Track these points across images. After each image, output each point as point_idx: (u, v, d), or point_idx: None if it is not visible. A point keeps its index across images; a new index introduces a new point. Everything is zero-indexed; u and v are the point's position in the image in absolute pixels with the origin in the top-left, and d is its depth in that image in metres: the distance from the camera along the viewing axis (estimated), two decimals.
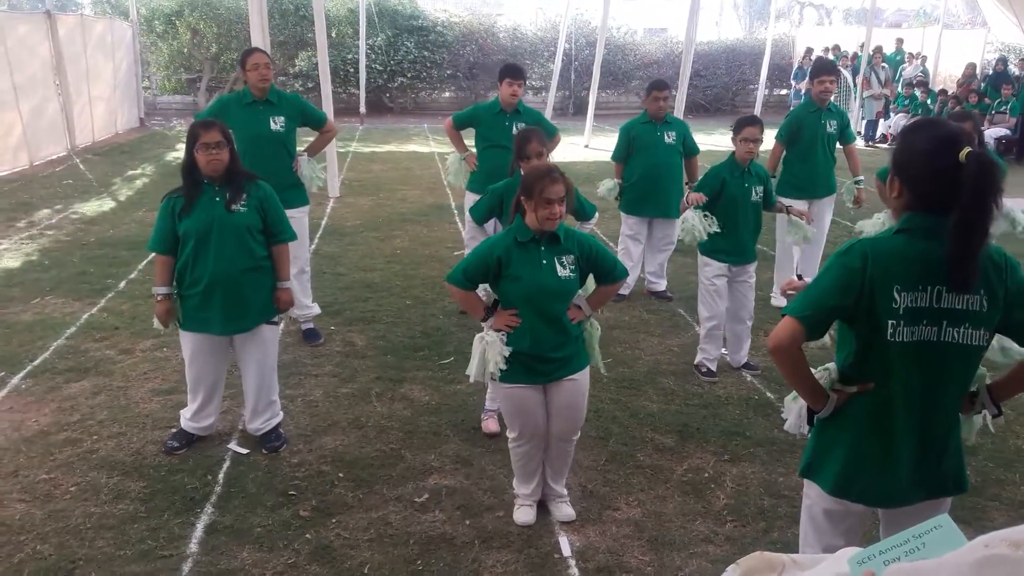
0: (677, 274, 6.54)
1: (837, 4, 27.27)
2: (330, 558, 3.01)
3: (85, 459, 3.67)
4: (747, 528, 3.26)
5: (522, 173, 3.88)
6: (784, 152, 5.82)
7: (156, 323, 3.67)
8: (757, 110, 17.31)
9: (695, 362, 4.83)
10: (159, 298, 3.62)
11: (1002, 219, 4.09)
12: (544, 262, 2.98)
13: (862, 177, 5.94)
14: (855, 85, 15.65)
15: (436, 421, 4.11)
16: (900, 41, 18.53)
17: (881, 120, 15.93)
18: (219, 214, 3.53)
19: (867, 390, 2.06)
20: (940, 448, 2.07)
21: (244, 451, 3.77)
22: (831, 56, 17.85)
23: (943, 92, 15.25)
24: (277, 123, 4.75)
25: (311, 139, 5.16)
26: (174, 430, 3.85)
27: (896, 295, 1.95)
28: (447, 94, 20.66)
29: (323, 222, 8.30)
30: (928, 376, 2.00)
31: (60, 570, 2.91)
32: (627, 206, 6.05)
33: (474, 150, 5.53)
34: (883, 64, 16.43)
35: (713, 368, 4.74)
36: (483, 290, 3.30)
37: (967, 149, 1.88)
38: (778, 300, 5.96)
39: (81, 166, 11.44)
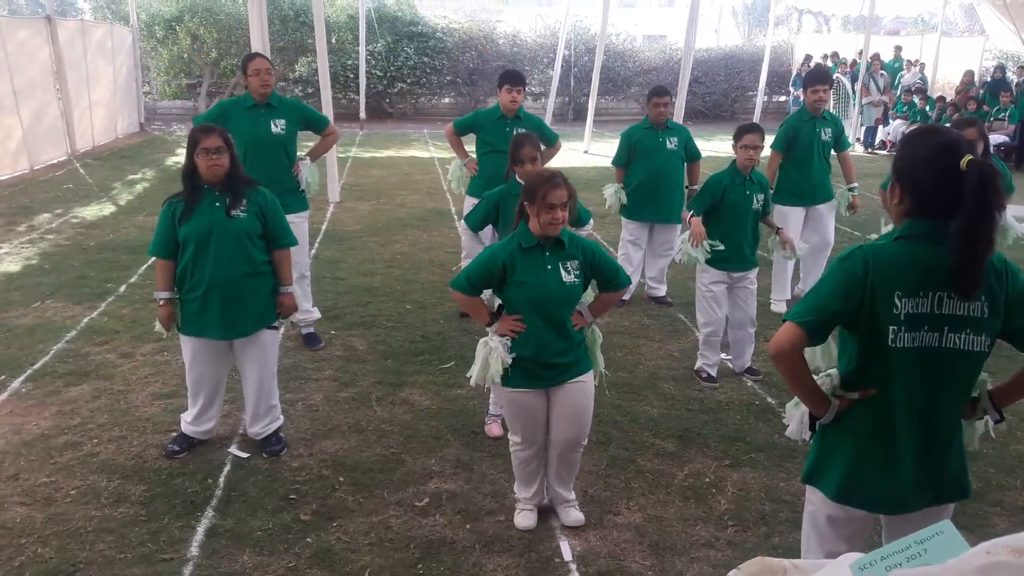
0: (677, 279, 6.55)
1: (836, 11, 27.34)
2: (331, 562, 3.01)
3: (85, 463, 3.67)
4: (748, 533, 3.26)
5: (517, 179, 3.90)
6: (780, 160, 5.84)
7: (158, 327, 3.68)
8: (756, 117, 17.35)
9: (696, 368, 4.83)
10: (161, 302, 3.63)
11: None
12: (549, 267, 2.99)
13: (856, 184, 5.97)
14: (854, 92, 15.70)
15: (436, 425, 4.11)
16: (899, 48, 18.60)
17: (880, 127, 15.98)
18: (219, 219, 3.54)
19: (869, 396, 2.06)
20: (942, 454, 2.08)
21: (244, 455, 3.77)
22: (830, 63, 17.93)
23: (941, 99, 15.30)
24: (278, 126, 4.76)
25: (312, 144, 5.17)
26: (174, 434, 3.85)
27: (897, 301, 1.95)
28: (447, 100, 20.70)
29: (323, 227, 8.31)
30: (930, 382, 2.00)
31: (61, 573, 2.91)
32: (628, 211, 6.07)
33: (475, 155, 5.55)
34: (882, 71, 16.48)
35: (713, 373, 4.75)
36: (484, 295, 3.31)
37: (968, 157, 1.89)
38: (778, 306, 5.97)
39: (81, 170, 11.45)
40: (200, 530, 3.18)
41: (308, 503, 3.39)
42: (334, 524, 3.25)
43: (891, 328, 1.96)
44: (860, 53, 16.05)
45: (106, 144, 14.07)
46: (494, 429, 4.01)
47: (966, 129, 4.23)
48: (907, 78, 17.14)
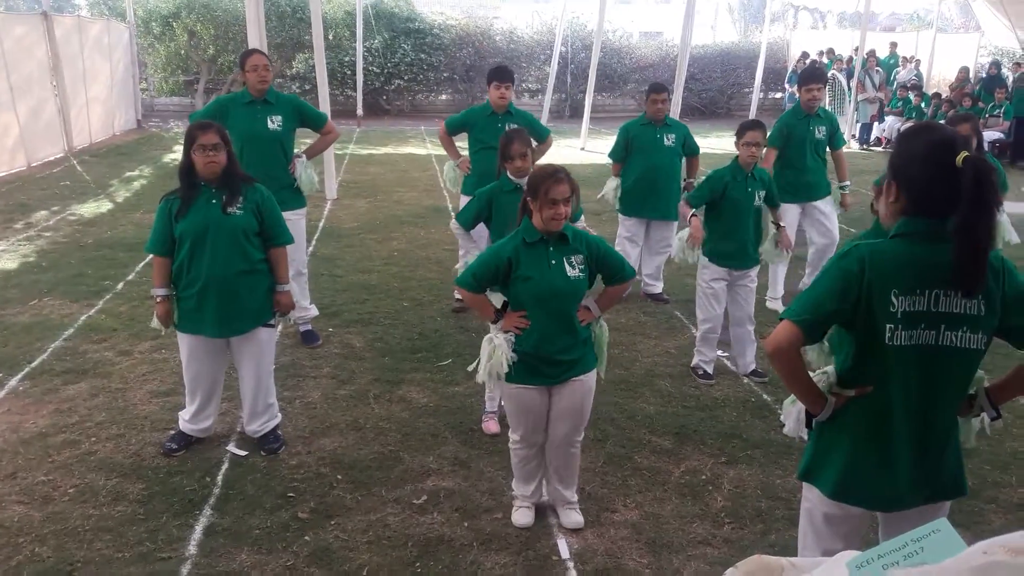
0: (674, 276, 6.55)
1: (831, 8, 27.35)
2: (329, 560, 3.02)
3: (83, 461, 3.67)
4: (745, 530, 3.27)
5: (508, 175, 3.90)
6: (776, 157, 5.87)
7: (156, 324, 3.68)
8: (752, 114, 17.37)
9: (692, 364, 4.84)
10: (158, 299, 3.63)
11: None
12: (553, 262, 3.00)
13: (848, 183, 6.01)
14: (849, 89, 15.71)
15: (434, 423, 4.12)
16: (894, 45, 18.62)
17: (875, 123, 15.99)
18: (215, 216, 3.53)
19: (865, 393, 2.07)
20: (939, 451, 2.08)
21: (242, 453, 3.77)
22: (825, 60, 17.94)
23: (937, 96, 15.31)
24: (275, 122, 4.75)
25: (311, 141, 5.16)
26: (172, 432, 3.85)
27: (894, 299, 1.96)
28: (444, 96, 20.67)
29: (320, 224, 8.30)
30: (926, 380, 2.01)
31: (59, 572, 2.91)
32: (625, 208, 6.08)
33: (467, 154, 5.55)
34: (877, 68, 16.49)
35: (710, 371, 4.76)
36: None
37: (964, 154, 1.89)
38: (774, 304, 5.98)
39: (78, 168, 11.42)
40: (198, 528, 3.19)
41: (306, 501, 3.40)
42: (332, 522, 3.25)
43: (888, 326, 1.97)
44: (856, 50, 16.06)
45: (103, 141, 14.03)
46: (491, 426, 4.02)
47: (960, 125, 4.25)
48: (902, 74, 17.16)
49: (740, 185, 4.51)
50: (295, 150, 4.96)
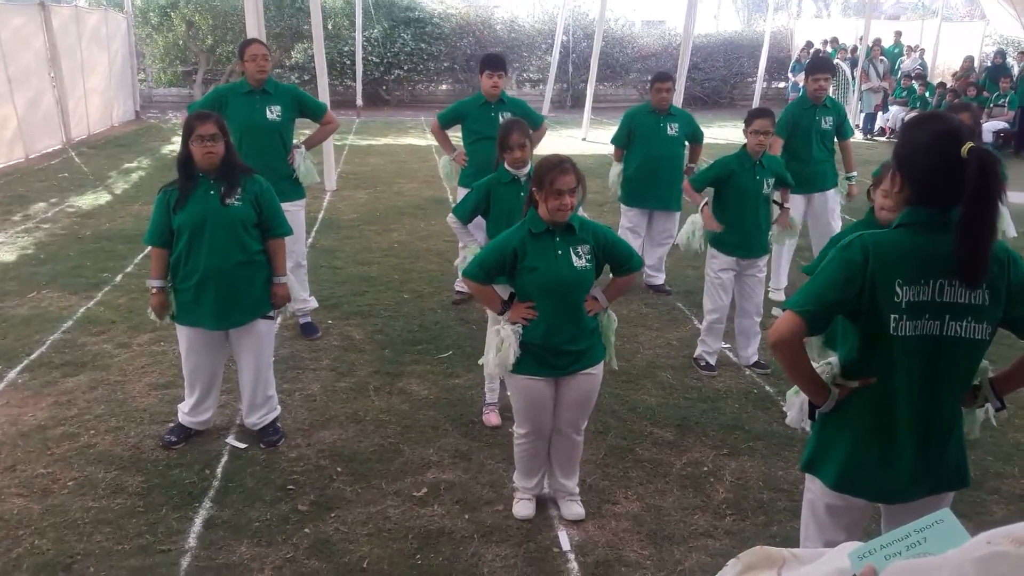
0: (676, 268, 6.53)
1: None
2: (329, 552, 3.01)
3: (83, 454, 3.66)
4: (747, 522, 3.26)
5: (506, 166, 3.87)
6: (783, 147, 5.84)
7: (152, 315, 3.67)
8: (755, 103, 17.29)
9: (695, 355, 4.82)
10: (153, 291, 3.61)
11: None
12: (560, 253, 2.98)
13: (855, 173, 5.97)
14: (854, 78, 15.63)
15: (434, 415, 4.10)
16: (898, 34, 18.51)
17: (879, 113, 15.92)
18: (213, 207, 3.51)
19: (869, 385, 2.05)
20: (942, 442, 2.07)
21: (242, 445, 3.76)
22: (829, 49, 17.84)
23: (941, 85, 15.24)
24: (273, 112, 4.72)
25: (310, 132, 5.12)
26: (171, 424, 3.84)
27: (898, 289, 1.94)
28: (444, 86, 20.59)
29: (320, 215, 8.28)
30: (931, 370, 1.99)
31: (58, 565, 2.90)
32: (627, 198, 6.05)
33: (462, 147, 5.49)
34: (881, 57, 16.41)
35: (712, 362, 4.73)
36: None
37: (969, 144, 1.87)
38: (776, 295, 5.96)
39: (76, 159, 11.39)
40: (198, 521, 3.18)
41: (306, 493, 3.39)
42: (332, 515, 3.24)
43: (892, 316, 1.95)
44: (860, 39, 15.97)
45: (102, 132, 13.99)
46: (492, 418, 4.01)
47: (960, 114, 4.21)
48: (907, 64, 17.07)
49: (747, 173, 4.48)
50: (294, 140, 4.93)
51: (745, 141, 4.52)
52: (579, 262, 2.98)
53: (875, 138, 15.58)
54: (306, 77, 17.38)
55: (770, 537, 3.11)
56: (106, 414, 4.03)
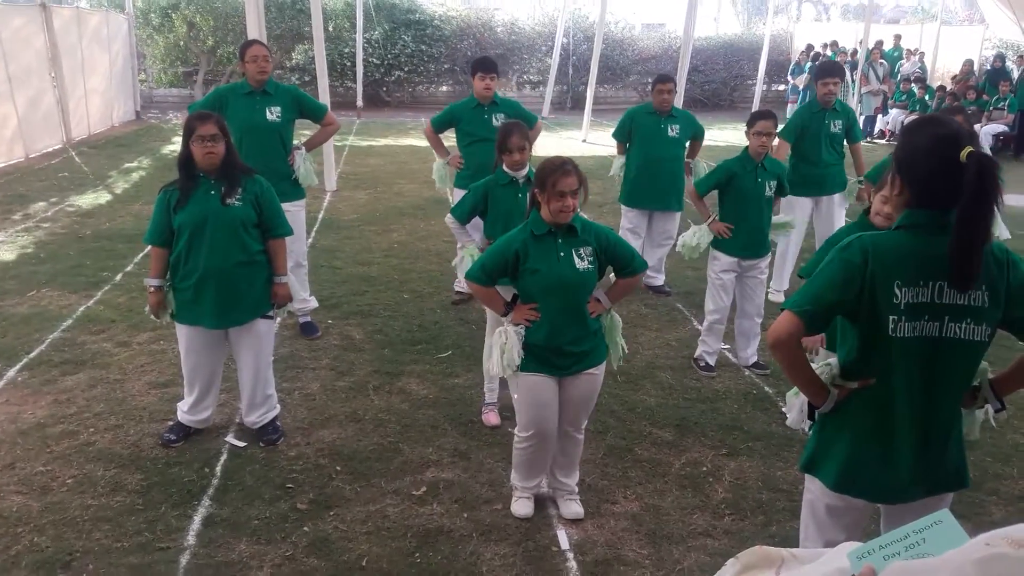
0: (675, 269, 6.53)
1: (835, 0, 27.26)
2: (328, 551, 3.01)
3: (82, 451, 3.66)
4: (745, 522, 3.26)
5: (504, 168, 3.87)
6: (790, 150, 5.86)
7: (149, 313, 3.68)
8: (755, 106, 17.28)
9: (694, 356, 4.82)
10: (151, 290, 3.62)
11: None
12: (562, 254, 2.98)
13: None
14: (853, 81, 15.64)
15: (434, 414, 4.10)
16: (898, 37, 18.52)
17: (879, 116, 15.94)
18: (214, 207, 3.51)
19: (868, 386, 2.06)
20: (941, 443, 2.07)
21: (241, 444, 3.76)
22: (829, 52, 17.86)
23: (941, 88, 15.25)
24: (273, 113, 4.72)
25: (311, 133, 5.13)
26: (171, 423, 3.84)
27: (897, 290, 1.95)
28: (444, 88, 20.59)
29: (320, 215, 8.28)
30: (930, 372, 1.99)
31: (57, 562, 2.91)
32: (627, 198, 6.05)
33: (457, 151, 5.49)
34: (881, 60, 16.42)
35: (712, 363, 4.74)
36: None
37: (968, 149, 1.88)
38: (776, 296, 5.96)
39: (77, 159, 11.39)
40: (197, 519, 3.18)
41: (305, 492, 3.39)
42: (331, 513, 3.25)
43: (891, 318, 1.95)
44: (860, 42, 15.99)
45: (102, 132, 13.99)
46: (491, 418, 4.01)
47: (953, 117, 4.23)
48: (906, 67, 17.08)
49: (749, 175, 4.49)
50: (295, 142, 4.93)
51: (747, 143, 4.53)
52: (581, 263, 2.99)
53: (875, 141, 15.59)
54: (307, 78, 17.38)
55: (769, 537, 3.12)
56: (105, 412, 4.04)
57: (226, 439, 3.80)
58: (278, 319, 3.93)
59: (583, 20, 20.35)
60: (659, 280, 6.22)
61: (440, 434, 3.92)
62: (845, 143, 5.90)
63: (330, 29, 17.90)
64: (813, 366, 2.13)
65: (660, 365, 4.80)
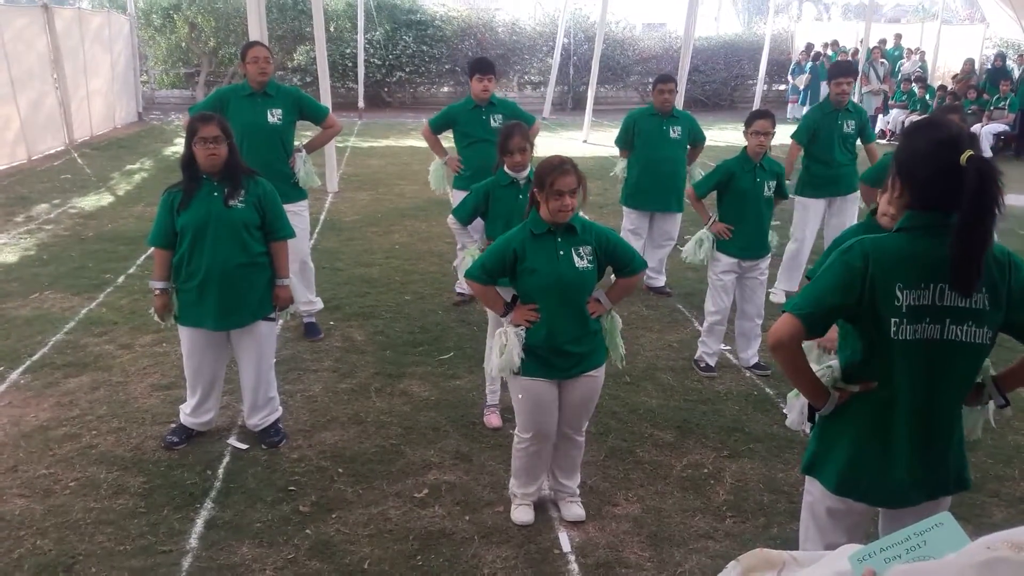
0: (676, 270, 6.53)
1: None
2: (330, 553, 3.02)
3: (84, 454, 3.67)
4: (747, 524, 3.26)
5: (505, 169, 3.88)
6: (801, 152, 5.86)
7: (155, 316, 3.68)
8: (756, 105, 17.27)
9: (695, 357, 4.82)
10: (156, 292, 3.62)
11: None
12: (561, 253, 2.99)
13: None
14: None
15: (435, 417, 4.11)
16: (899, 37, 18.52)
17: (880, 116, 15.92)
18: (216, 209, 3.52)
19: (870, 389, 2.06)
20: (943, 447, 2.07)
21: (243, 446, 3.77)
22: (829, 52, 17.85)
23: (942, 88, 15.24)
24: (274, 115, 4.73)
25: (312, 134, 5.13)
26: (173, 425, 3.85)
27: (898, 293, 1.95)
28: (445, 89, 20.60)
29: (322, 217, 8.29)
30: (931, 374, 1.99)
31: (60, 565, 2.91)
32: (628, 199, 6.06)
33: (455, 152, 5.49)
34: (882, 60, 16.41)
35: (712, 364, 4.74)
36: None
37: (968, 152, 1.88)
38: (777, 296, 5.96)
39: (79, 160, 11.40)
40: (199, 522, 3.19)
41: (307, 495, 3.39)
42: (333, 516, 3.25)
43: (893, 320, 1.95)
44: (860, 42, 15.97)
45: (104, 134, 14.01)
46: (493, 420, 4.01)
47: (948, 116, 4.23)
48: (907, 66, 17.08)
49: (748, 175, 4.49)
50: (295, 143, 4.94)
51: (745, 143, 4.53)
52: (581, 263, 2.99)
53: (876, 141, 15.57)
54: (308, 79, 17.40)
55: (770, 539, 3.12)
56: (108, 415, 4.04)
57: (228, 442, 3.81)
58: (280, 321, 3.94)
59: (584, 20, 20.36)
60: (660, 281, 6.22)
61: (442, 436, 3.92)
62: (859, 143, 5.90)
63: (331, 30, 17.91)
64: (814, 368, 2.14)
65: (661, 366, 4.80)
